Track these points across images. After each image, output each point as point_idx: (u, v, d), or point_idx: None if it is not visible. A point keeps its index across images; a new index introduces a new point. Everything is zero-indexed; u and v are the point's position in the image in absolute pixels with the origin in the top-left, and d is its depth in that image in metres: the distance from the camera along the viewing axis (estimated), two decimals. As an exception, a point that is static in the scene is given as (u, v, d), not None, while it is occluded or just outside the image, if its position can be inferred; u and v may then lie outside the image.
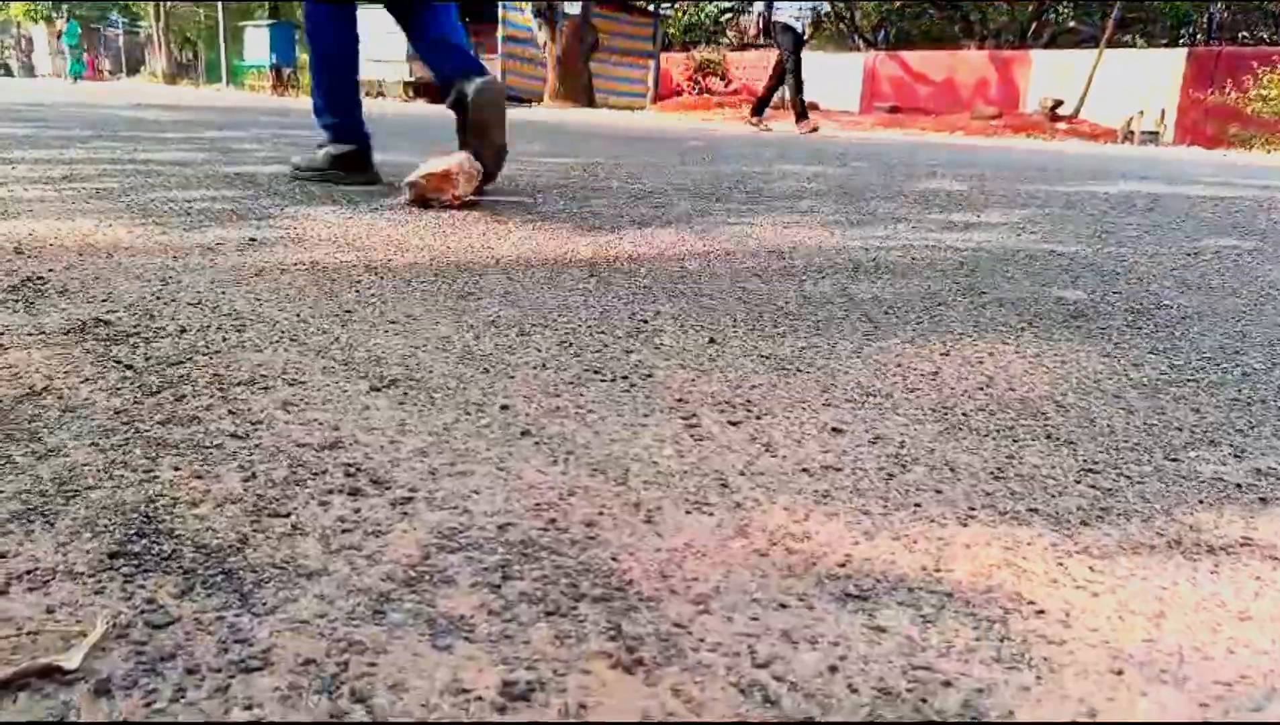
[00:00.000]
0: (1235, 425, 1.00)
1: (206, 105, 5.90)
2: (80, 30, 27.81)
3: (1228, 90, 12.98)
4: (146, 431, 0.87)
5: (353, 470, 0.80)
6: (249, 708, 0.50)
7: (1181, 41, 23.05)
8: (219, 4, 27.26)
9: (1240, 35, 20.97)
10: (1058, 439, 0.94)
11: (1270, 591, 0.66)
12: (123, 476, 0.77)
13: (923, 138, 11.38)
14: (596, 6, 18.54)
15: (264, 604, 0.59)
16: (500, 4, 18.62)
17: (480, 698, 0.51)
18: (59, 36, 27.46)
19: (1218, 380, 1.17)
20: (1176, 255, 2.20)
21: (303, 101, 14.57)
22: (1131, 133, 14.08)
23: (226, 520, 0.70)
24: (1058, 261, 2.04)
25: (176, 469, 0.79)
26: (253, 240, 1.86)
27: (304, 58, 24.26)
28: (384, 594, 0.61)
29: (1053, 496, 0.81)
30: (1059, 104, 15.37)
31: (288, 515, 0.72)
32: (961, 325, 1.41)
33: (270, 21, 24.14)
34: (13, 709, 0.49)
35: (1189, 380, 1.17)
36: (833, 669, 0.55)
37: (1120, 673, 0.56)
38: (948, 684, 0.54)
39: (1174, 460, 0.90)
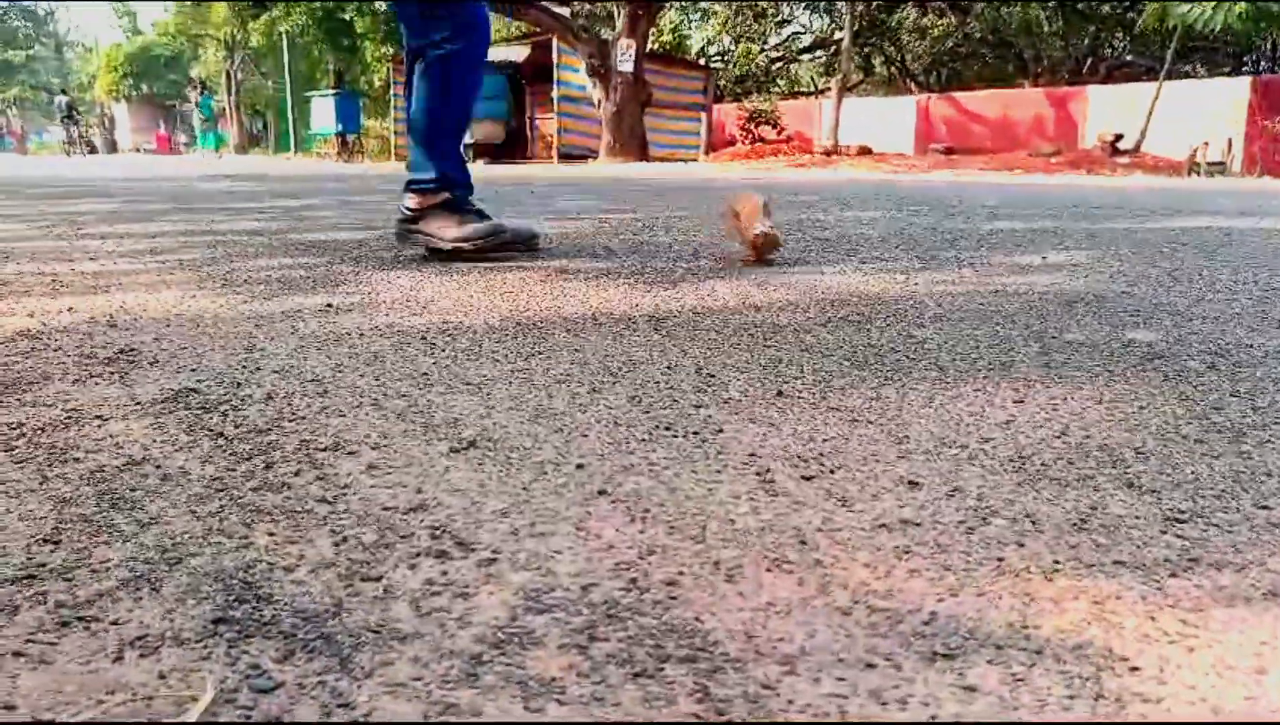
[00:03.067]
0: (1328, 469, 0.97)
1: (278, 175, 6.21)
2: (214, 104, 29.43)
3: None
4: (240, 498, 0.91)
5: (438, 532, 0.83)
6: (354, 771, 0.51)
7: (1245, 69, 22.58)
8: (286, 75, 28.46)
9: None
10: (1140, 488, 0.93)
11: (1377, 645, 0.64)
12: (221, 543, 0.81)
13: (980, 178, 11.29)
14: (649, 62, 18.91)
15: (362, 668, 0.61)
16: (555, 65, 19.10)
17: (575, 760, 0.52)
18: (196, 106, 28.95)
19: (1306, 422, 1.14)
20: (1254, 292, 2.15)
21: (365, 167, 15.01)
22: (1197, 165, 13.78)
23: (321, 585, 0.73)
24: (1129, 302, 2.00)
25: (271, 534, 0.82)
26: (330, 306, 1.93)
27: (369, 124, 25.12)
28: (475, 656, 0.63)
29: (1139, 547, 0.79)
30: (1119, 138, 15.14)
31: (379, 579, 0.74)
32: (1033, 371, 1.39)
33: (335, 91, 25.09)
34: (133, 773, 0.52)
35: (1275, 423, 1.14)
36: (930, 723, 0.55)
37: (1222, 732, 0.55)
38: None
39: (1264, 508, 0.88)
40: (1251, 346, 1.56)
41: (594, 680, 0.60)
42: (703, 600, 0.70)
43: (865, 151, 17.00)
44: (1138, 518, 0.85)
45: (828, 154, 16.59)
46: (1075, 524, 0.84)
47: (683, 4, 27.47)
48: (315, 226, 3.87)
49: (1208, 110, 15.38)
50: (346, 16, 26.86)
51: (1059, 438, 1.08)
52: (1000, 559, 0.77)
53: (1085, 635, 0.65)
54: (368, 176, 10.06)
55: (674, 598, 0.71)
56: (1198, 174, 13.41)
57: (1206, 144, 14.20)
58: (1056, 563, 0.76)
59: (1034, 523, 0.84)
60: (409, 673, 0.61)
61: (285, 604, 0.70)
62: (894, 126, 20.07)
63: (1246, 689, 0.59)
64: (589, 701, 0.58)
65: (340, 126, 22.93)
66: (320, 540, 0.81)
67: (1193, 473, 0.97)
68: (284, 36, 27.57)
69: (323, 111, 23.55)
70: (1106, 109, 17.01)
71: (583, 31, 17.93)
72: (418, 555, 0.78)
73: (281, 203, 5.53)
